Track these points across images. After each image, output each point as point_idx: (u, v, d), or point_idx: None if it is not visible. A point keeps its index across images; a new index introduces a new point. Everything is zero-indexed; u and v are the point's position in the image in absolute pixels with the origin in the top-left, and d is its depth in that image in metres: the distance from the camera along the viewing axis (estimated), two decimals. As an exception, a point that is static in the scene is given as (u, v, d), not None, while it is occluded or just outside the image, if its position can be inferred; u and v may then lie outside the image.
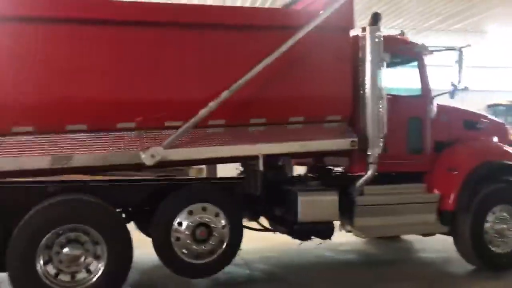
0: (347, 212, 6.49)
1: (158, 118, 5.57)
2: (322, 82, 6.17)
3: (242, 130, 5.98)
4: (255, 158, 5.98)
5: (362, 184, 6.41)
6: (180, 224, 5.80)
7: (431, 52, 7.08)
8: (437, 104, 7.16)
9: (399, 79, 7.51)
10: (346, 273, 7.06)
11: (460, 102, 8.01)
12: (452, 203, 6.77)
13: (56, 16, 5.23)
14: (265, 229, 7.03)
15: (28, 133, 5.23)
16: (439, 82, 7.18)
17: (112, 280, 5.46)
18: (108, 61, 5.44)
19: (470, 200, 6.79)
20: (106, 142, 5.44)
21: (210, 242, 5.88)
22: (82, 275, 5.36)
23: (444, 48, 7.12)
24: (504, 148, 7.36)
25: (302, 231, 6.34)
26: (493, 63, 20.82)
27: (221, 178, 6.73)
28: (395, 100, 6.77)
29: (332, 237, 6.48)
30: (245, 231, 6.29)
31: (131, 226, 6.04)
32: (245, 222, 6.51)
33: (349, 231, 6.74)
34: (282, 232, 6.73)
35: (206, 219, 5.88)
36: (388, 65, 6.48)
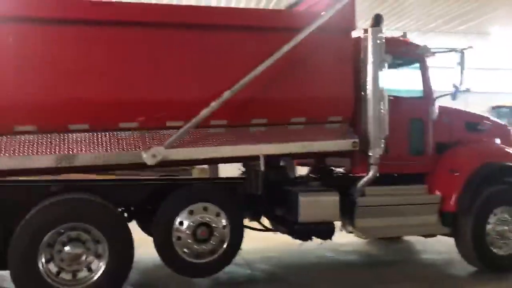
0: (348, 213, 6.50)
1: (160, 118, 5.60)
2: (323, 83, 6.19)
3: (244, 131, 6.00)
4: (256, 158, 5.98)
5: (363, 185, 6.42)
6: (181, 223, 5.81)
7: (433, 53, 7.09)
8: (439, 106, 7.16)
9: (401, 81, 7.52)
10: (347, 273, 7.06)
11: (464, 104, 8.01)
12: (454, 205, 6.77)
13: (58, 17, 5.26)
14: (266, 229, 7.05)
15: (30, 132, 5.27)
16: (441, 83, 7.18)
17: (113, 279, 5.48)
18: (110, 61, 5.47)
19: (472, 202, 6.78)
20: (108, 142, 5.47)
21: (211, 241, 5.89)
22: (83, 273, 5.38)
23: (446, 50, 7.11)
24: (506, 149, 7.35)
25: (302, 231, 6.35)
26: (497, 65, 20.75)
27: (222, 178, 6.74)
28: (397, 102, 6.78)
29: (334, 238, 6.48)
30: (246, 231, 6.31)
31: (133, 226, 6.07)
32: (246, 222, 6.54)
33: (350, 232, 6.75)
34: (283, 232, 6.74)
35: (207, 219, 5.89)
36: (390, 67, 6.50)
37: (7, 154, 5.16)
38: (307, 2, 7.03)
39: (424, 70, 7.12)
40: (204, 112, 5.58)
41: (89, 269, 5.41)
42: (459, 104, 7.47)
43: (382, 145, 6.28)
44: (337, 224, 6.55)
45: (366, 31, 6.35)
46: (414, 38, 7.74)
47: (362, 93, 6.34)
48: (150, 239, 5.96)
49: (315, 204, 6.20)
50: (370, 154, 6.28)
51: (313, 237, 6.50)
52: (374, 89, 6.27)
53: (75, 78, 5.32)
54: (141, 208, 6.17)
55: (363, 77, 6.34)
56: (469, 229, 6.78)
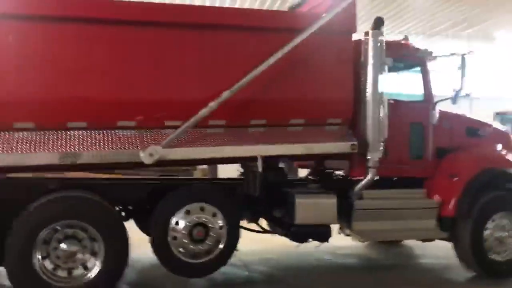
0: (346, 216, 6.48)
1: (158, 117, 5.60)
2: (323, 84, 6.17)
3: (242, 131, 5.99)
4: (254, 159, 5.98)
5: (361, 188, 6.41)
6: (177, 223, 5.80)
7: (434, 57, 7.06)
8: (440, 110, 7.13)
9: (402, 84, 7.50)
10: (345, 277, 7.05)
11: (468, 109, 7.97)
12: (453, 209, 6.73)
13: (58, 15, 5.27)
14: (264, 231, 7.03)
15: (29, 129, 5.28)
16: (443, 88, 7.15)
17: (108, 277, 5.48)
18: (109, 60, 5.47)
19: (471, 207, 6.75)
20: (106, 140, 5.47)
21: (207, 242, 5.88)
22: (79, 271, 5.40)
23: (447, 54, 7.08)
24: (506, 156, 7.32)
25: (298, 234, 6.34)
26: (502, 70, 20.66)
27: (221, 179, 6.74)
28: (397, 105, 6.76)
29: (332, 241, 6.48)
30: (245, 232, 6.30)
31: (130, 225, 6.07)
32: (245, 224, 6.53)
33: (347, 235, 6.74)
34: (280, 234, 6.74)
35: (204, 219, 5.89)
36: (391, 70, 6.49)
37: (8, 151, 5.16)
38: (310, 3, 7.02)
39: (425, 74, 7.09)
40: (203, 112, 5.57)
41: (85, 267, 5.42)
42: (463, 110, 7.43)
43: (381, 149, 6.26)
44: (335, 227, 6.54)
45: (366, 33, 6.34)
46: (419, 41, 7.68)
47: (362, 95, 6.32)
48: (147, 239, 5.95)
49: (312, 207, 6.18)
50: (368, 157, 6.27)
51: (310, 240, 6.49)
52: (374, 92, 6.26)
53: (74, 76, 5.32)
54: (140, 207, 6.18)
55: (363, 79, 6.32)
56: (467, 234, 6.75)
